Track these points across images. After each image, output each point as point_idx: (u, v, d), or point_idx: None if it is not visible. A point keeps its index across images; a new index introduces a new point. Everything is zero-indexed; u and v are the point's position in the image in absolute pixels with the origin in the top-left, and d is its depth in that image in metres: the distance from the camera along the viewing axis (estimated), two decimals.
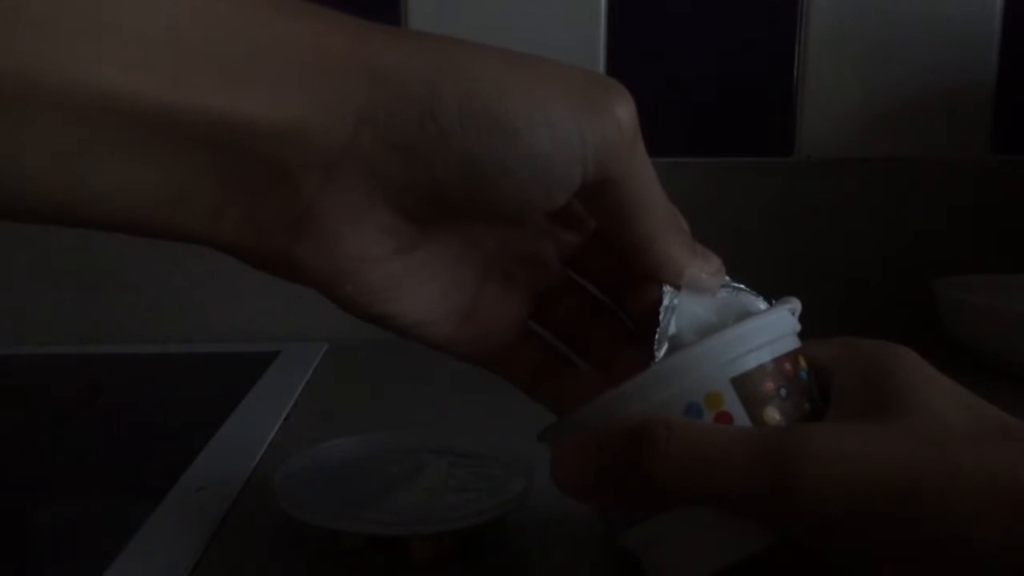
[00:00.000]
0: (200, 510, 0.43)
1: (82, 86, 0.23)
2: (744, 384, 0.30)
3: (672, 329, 0.32)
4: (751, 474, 0.28)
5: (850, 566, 0.28)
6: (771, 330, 0.32)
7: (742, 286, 0.34)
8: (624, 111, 0.28)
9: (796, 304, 0.33)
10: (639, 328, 0.36)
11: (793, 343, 0.33)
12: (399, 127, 0.25)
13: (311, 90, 0.25)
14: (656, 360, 0.31)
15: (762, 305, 0.33)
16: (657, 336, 0.32)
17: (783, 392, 0.31)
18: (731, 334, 0.31)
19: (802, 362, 0.33)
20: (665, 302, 0.32)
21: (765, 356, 0.31)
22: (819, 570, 0.31)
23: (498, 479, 0.42)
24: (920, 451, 0.27)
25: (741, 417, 0.30)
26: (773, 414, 0.30)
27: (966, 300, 0.65)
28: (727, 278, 0.35)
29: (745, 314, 0.32)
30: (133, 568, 0.38)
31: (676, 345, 0.32)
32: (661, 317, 0.32)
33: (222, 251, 0.28)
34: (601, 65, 0.76)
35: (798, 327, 0.33)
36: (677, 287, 0.33)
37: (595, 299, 0.37)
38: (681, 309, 0.33)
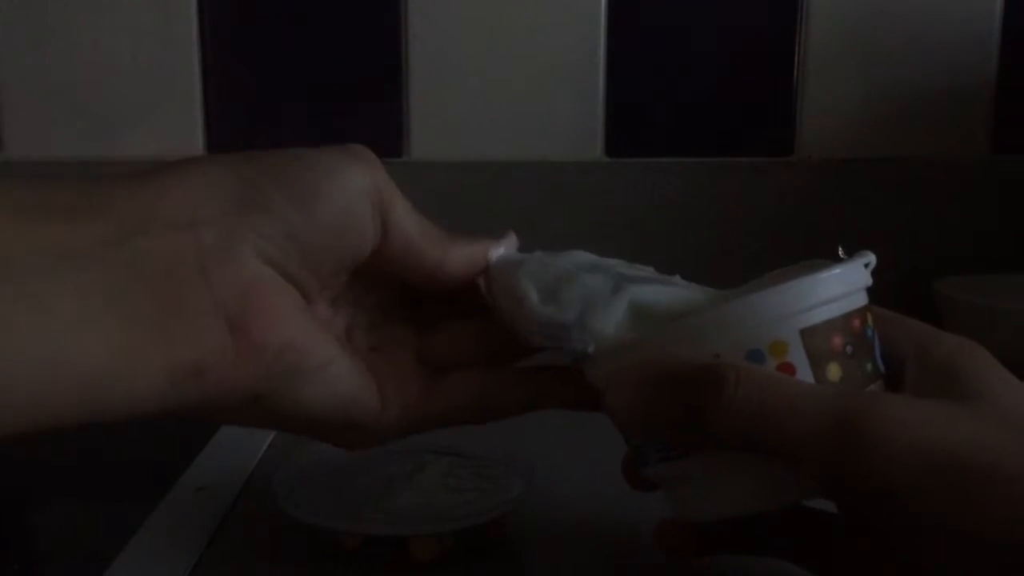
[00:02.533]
0: (200, 510, 0.44)
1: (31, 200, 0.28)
2: (813, 336, 0.30)
3: (533, 296, 0.33)
4: (821, 428, 0.28)
5: (893, 541, 0.28)
6: (846, 283, 0.31)
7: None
8: (380, 166, 0.33)
9: (871, 258, 0.32)
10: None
11: (864, 299, 0.32)
12: (243, 199, 0.30)
13: (182, 182, 0.30)
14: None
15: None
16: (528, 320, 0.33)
17: (849, 349, 0.30)
18: (805, 283, 0.30)
19: (869, 319, 0.32)
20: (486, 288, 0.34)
21: (837, 310, 0.30)
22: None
23: (498, 479, 0.42)
24: (999, 435, 0.27)
25: (804, 370, 0.30)
26: (836, 371, 0.30)
27: (966, 300, 0.65)
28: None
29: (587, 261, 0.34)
30: (133, 568, 0.38)
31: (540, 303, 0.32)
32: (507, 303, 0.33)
33: (180, 395, 0.29)
34: (601, 65, 0.76)
35: (870, 282, 0.32)
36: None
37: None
38: (512, 280, 0.33)
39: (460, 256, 0.34)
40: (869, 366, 0.31)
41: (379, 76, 0.76)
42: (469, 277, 0.34)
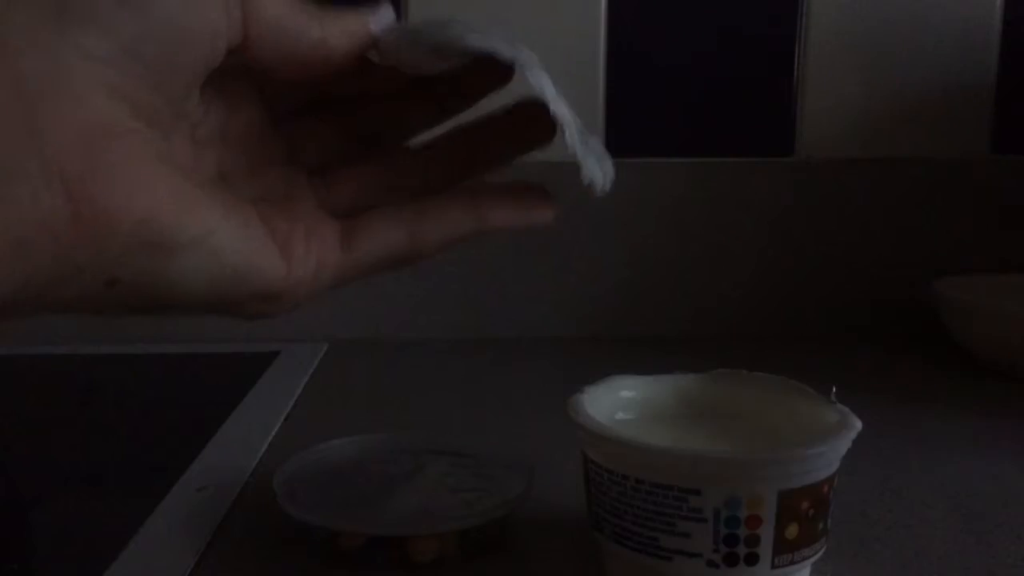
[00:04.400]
0: (200, 510, 0.44)
1: None
2: (787, 499, 0.32)
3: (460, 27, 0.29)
4: None
5: None
6: (833, 456, 0.34)
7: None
8: None
9: (859, 427, 0.34)
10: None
11: (837, 464, 0.34)
12: (57, 4, 0.23)
13: None
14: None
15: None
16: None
17: (811, 512, 0.33)
18: (799, 454, 0.32)
19: (836, 480, 0.35)
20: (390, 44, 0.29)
21: (815, 477, 0.33)
22: None
23: (498, 479, 0.42)
24: None
25: (768, 525, 0.32)
26: (794, 531, 0.33)
27: (966, 300, 0.65)
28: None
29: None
30: (133, 568, 0.38)
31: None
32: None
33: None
34: (601, 65, 0.76)
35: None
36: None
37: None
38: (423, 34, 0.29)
39: (340, 28, 0.28)
40: (821, 525, 0.34)
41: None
42: (354, 53, 0.28)
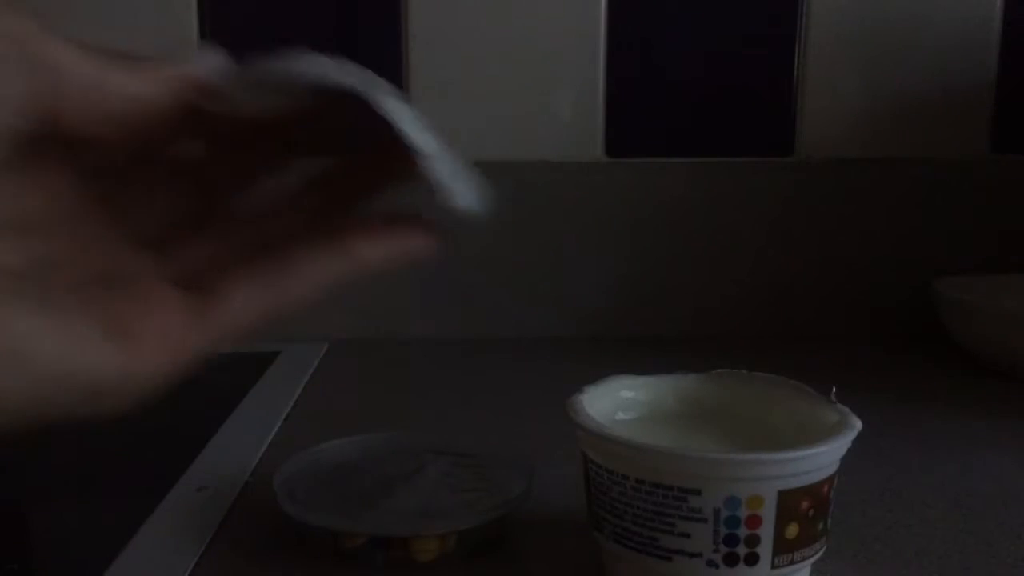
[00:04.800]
0: (200, 510, 0.44)
1: None
2: (787, 498, 0.33)
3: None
4: None
5: None
6: (833, 457, 0.34)
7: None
8: None
9: (859, 427, 0.35)
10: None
11: (838, 463, 0.35)
12: None
13: None
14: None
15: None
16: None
17: (811, 512, 0.34)
18: (797, 454, 0.33)
19: (836, 480, 0.35)
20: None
21: (815, 477, 0.33)
22: None
23: (498, 479, 0.42)
24: None
25: (768, 524, 0.33)
26: (794, 531, 0.33)
27: (966, 300, 0.65)
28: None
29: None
30: (133, 568, 0.38)
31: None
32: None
33: None
34: (601, 64, 0.76)
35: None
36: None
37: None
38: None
39: (155, 78, 0.25)
40: (821, 525, 0.34)
41: (379, 77, 0.76)
42: (176, 104, 0.25)
